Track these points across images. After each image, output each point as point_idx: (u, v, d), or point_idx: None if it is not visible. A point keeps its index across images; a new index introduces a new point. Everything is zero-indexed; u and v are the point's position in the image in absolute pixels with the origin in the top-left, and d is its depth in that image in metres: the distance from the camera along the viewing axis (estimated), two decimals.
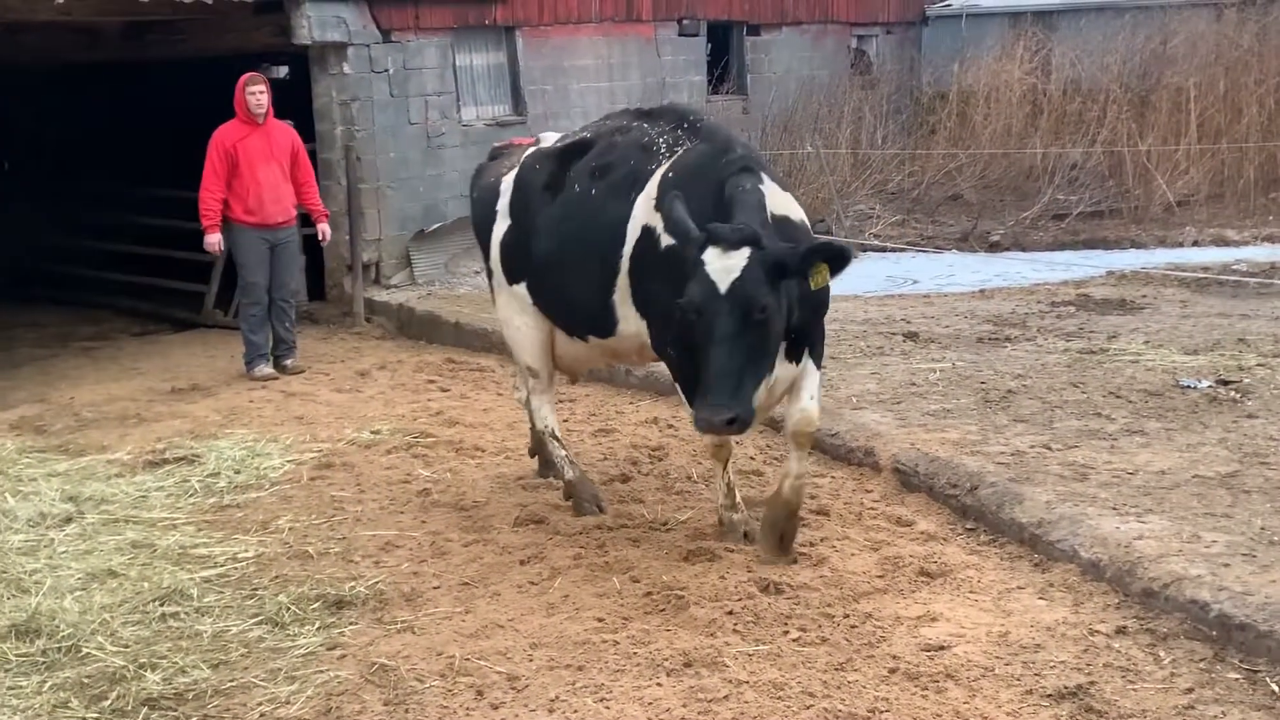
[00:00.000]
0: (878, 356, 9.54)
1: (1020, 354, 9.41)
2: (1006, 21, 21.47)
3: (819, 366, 5.98)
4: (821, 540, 6.19)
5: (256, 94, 10.14)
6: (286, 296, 10.55)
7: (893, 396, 8.25)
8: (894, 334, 10.30)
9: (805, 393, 5.90)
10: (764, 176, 5.71)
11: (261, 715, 4.73)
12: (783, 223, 5.66)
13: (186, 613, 5.64)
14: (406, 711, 4.70)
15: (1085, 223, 16.52)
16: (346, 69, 12.59)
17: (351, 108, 12.66)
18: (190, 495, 7.31)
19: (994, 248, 15.50)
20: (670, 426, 8.28)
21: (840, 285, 13.43)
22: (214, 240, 10.25)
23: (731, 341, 5.12)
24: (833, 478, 7.19)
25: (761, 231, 5.32)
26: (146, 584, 5.91)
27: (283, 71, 18.93)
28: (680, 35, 17.30)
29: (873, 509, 6.66)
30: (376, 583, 5.92)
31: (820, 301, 5.76)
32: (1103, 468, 6.61)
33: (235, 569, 6.15)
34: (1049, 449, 6.96)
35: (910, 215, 17.20)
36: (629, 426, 8.41)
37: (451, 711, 4.70)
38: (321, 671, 5.06)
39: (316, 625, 5.49)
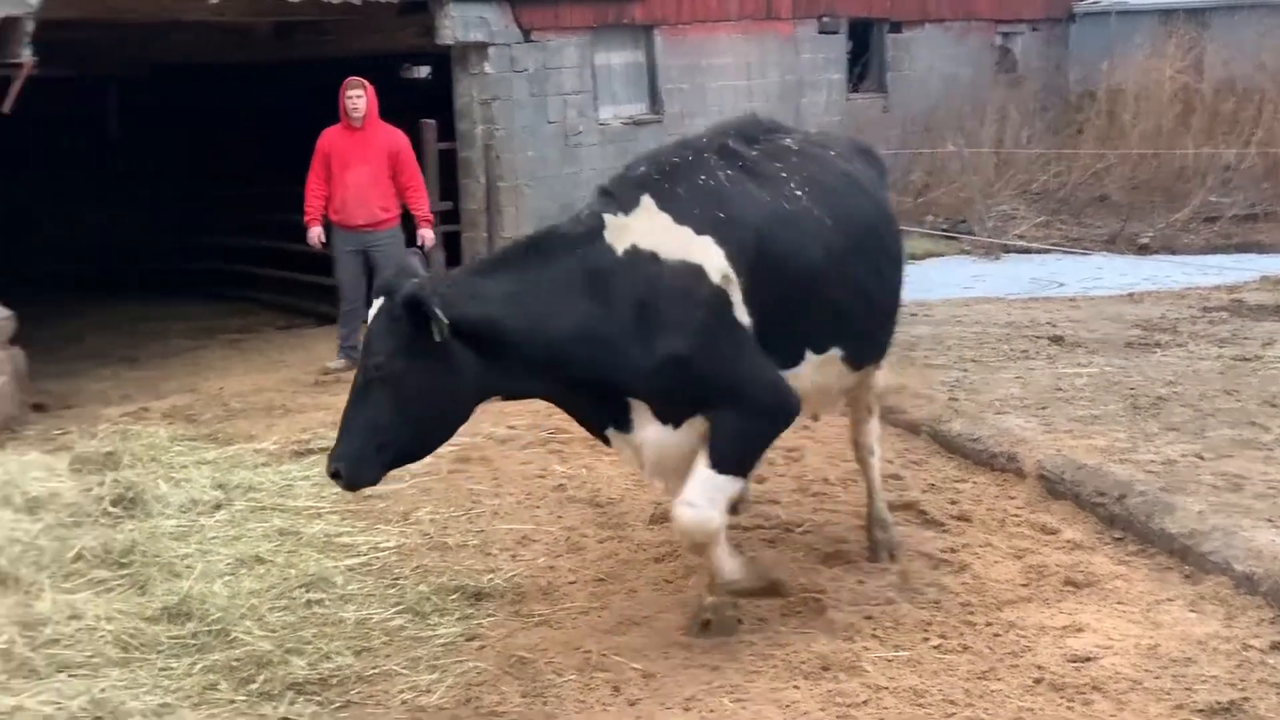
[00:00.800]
0: (1022, 360, 9.34)
1: (1171, 360, 9.13)
2: (1157, 19, 20.89)
3: (713, 465, 4.84)
4: (963, 547, 6.07)
5: (354, 98, 10.32)
6: None
7: (1037, 401, 8.06)
8: (1039, 337, 10.08)
9: (687, 486, 4.87)
10: (642, 200, 4.84)
11: (403, 703, 4.80)
12: (635, 258, 4.77)
13: (331, 600, 5.75)
14: (545, 704, 4.73)
15: (1239, 226, 15.99)
16: (487, 68, 12.75)
17: (491, 106, 12.81)
18: (333, 485, 7.43)
19: (1143, 250, 15.10)
20: (806, 428, 8.20)
21: (983, 287, 13.17)
22: (313, 234, 10.51)
23: (355, 397, 4.70)
24: (974, 483, 7.05)
25: (413, 279, 4.65)
26: (293, 571, 6.04)
27: (424, 71, 19.27)
28: (820, 33, 17.17)
29: (1016, 516, 6.51)
30: (514, 576, 5.97)
31: (699, 360, 4.72)
32: (1258, 479, 6.38)
33: (377, 558, 6.25)
34: (1201, 458, 6.74)
35: (1055, 216, 16.83)
36: None
37: (588, 706, 4.71)
38: (461, 661, 5.11)
39: (456, 616, 5.56)
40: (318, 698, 4.82)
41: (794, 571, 5.82)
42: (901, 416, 8.05)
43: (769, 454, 7.55)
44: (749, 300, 4.82)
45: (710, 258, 4.77)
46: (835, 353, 5.26)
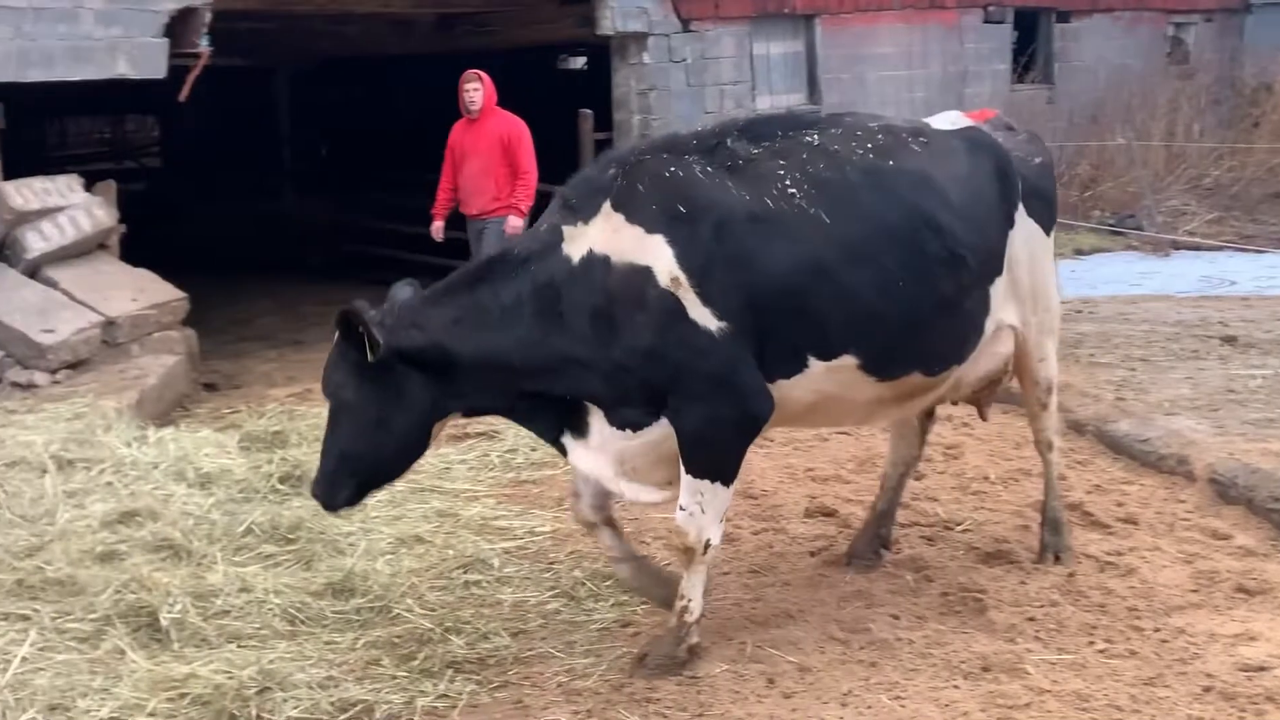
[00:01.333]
0: (1192, 360, 9.03)
1: None
2: None
3: (688, 470, 4.75)
4: (1130, 550, 5.90)
5: (470, 90, 10.45)
6: None
7: (1209, 403, 7.79)
8: (1210, 337, 9.73)
9: (681, 493, 4.82)
10: (602, 206, 4.73)
11: (559, 686, 4.84)
12: (589, 264, 4.70)
13: (488, 581, 5.84)
14: (698, 693, 4.72)
15: None
16: (646, 58, 12.79)
17: (649, 97, 12.85)
18: (490, 469, 7.56)
19: None
20: (965, 425, 8.05)
21: (1151, 284, 12.72)
22: (435, 228, 10.78)
23: (328, 424, 4.87)
24: (1141, 485, 6.84)
25: (381, 307, 4.84)
26: (451, 551, 6.14)
27: (580, 62, 19.44)
28: (985, 22, 16.83)
29: (1185, 520, 6.30)
30: (669, 564, 5.97)
31: (646, 363, 4.64)
32: None
33: (533, 542, 6.32)
34: None
35: (1228, 213, 16.24)
36: None
37: (743, 697, 4.69)
38: (615, 647, 5.14)
39: (610, 602, 5.59)
40: (476, 677, 4.89)
41: (953, 570, 5.72)
42: (1066, 415, 7.84)
43: (928, 451, 7.49)
44: (711, 302, 4.62)
45: (659, 258, 4.63)
46: (848, 360, 4.88)
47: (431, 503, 6.88)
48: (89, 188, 10.37)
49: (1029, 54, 17.71)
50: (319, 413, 8.58)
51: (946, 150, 5.21)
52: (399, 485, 7.07)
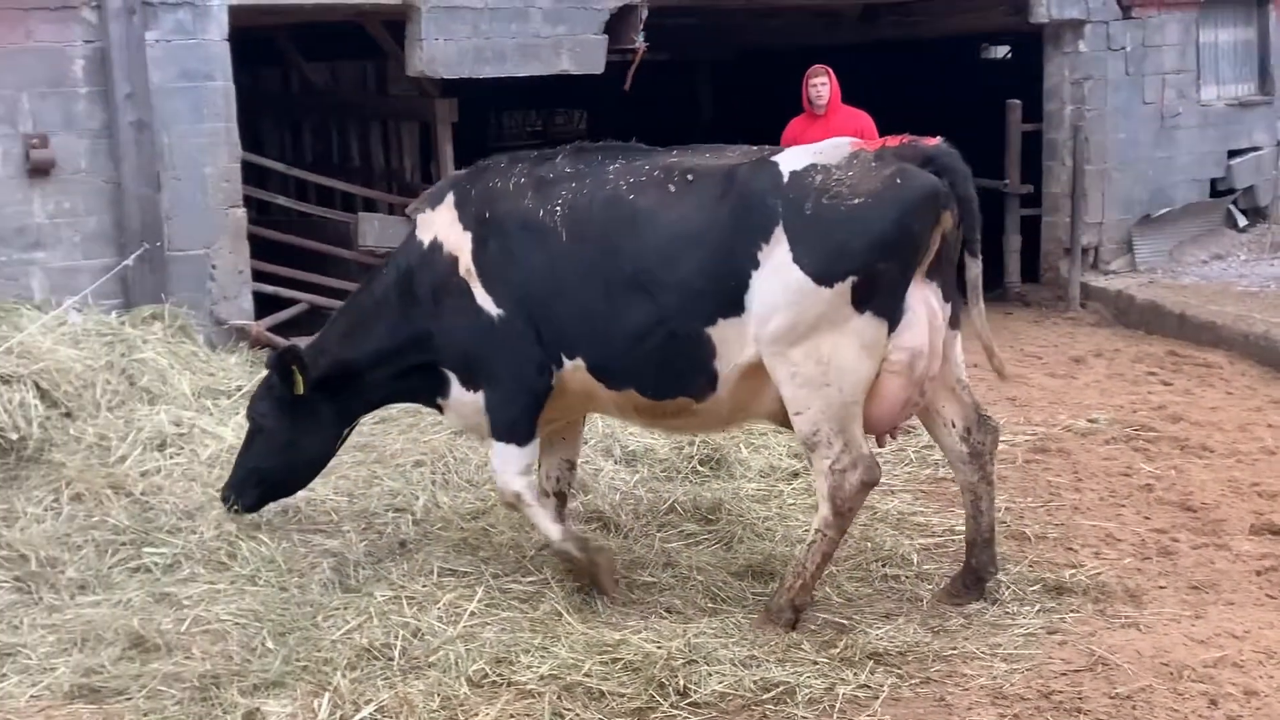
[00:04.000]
0: None
1: None
2: None
3: (491, 432, 5.61)
4: None
5: (817, 86, 10.19)
6: None
7: None
8: None
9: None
10: (446, 197, 5.67)
11: (982, 687, 4.73)
12: (432, 249, 5.65)
13: (906, 576, 5.79)
14: (1134, 708, 4.51)
15: None
16: (1081, 47, 12.26)
17: (1083, 87, 12.31)
18: (906, 464, 7.48)
19: None
20: None
21: None
22: None
23: (245, 438, 6.02)
24: None
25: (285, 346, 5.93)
26: (869, 544, 6.13)
27: (1002, 51, 18.91)
28: None
29: None
30: (1097, 574, 5.73)
31: (452, 336, 5.56)
32: None
33: (952, 541, 6.20)
34: None
35: None
36: None
37: (1183, 717, 4.44)
38: (1041, 654, 4.98)
39: (1036, 608, 5.41)
40: (897, 670, 4.86)
41: None
42: None
43: None
44: (491, 291, 5.46)
45: (464, 252, 5.52)
46: (580, 363, 5.40)
47: None
48: None
49: None
50: None
51: (696, 191, 5.22)
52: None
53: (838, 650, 4.96)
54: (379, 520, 6.38)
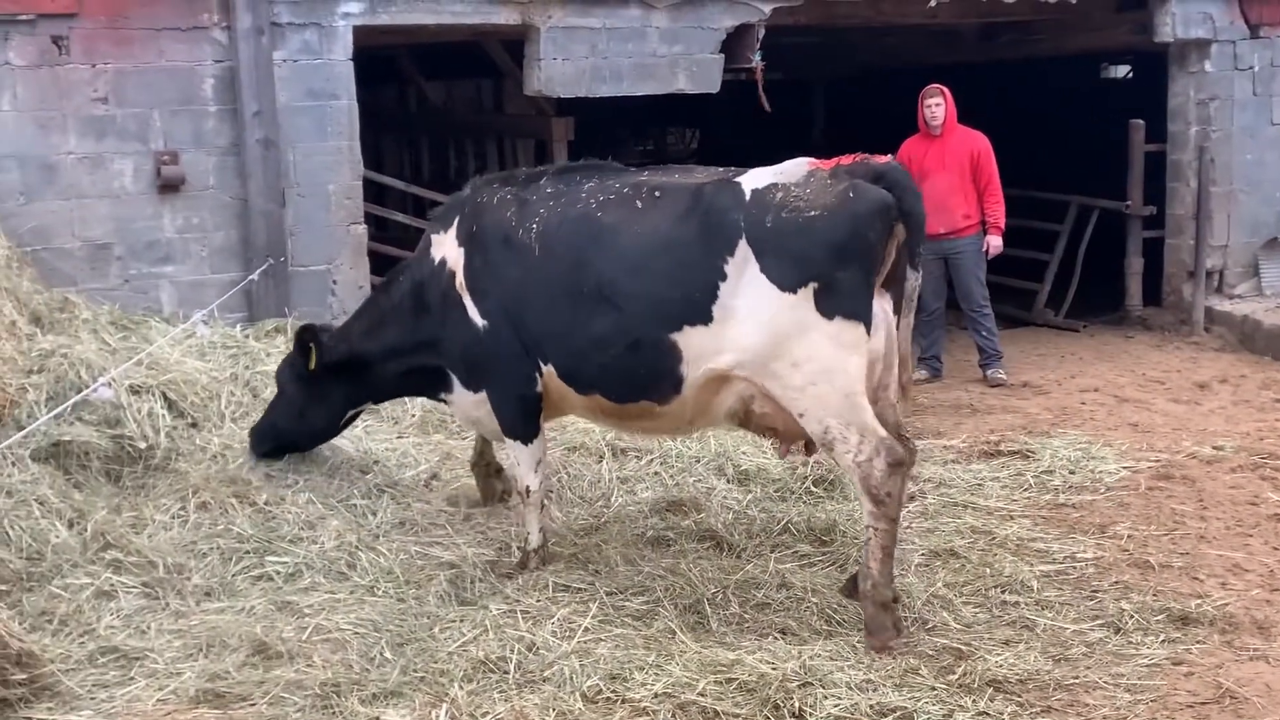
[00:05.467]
0: None
1: None
2: None
3: (501, 430, 6.16)
4: None
5: (932, 107, 10.09)
6: (974, 306, 10.35)
7: None
8: None
9: None
10: (453, 220, 6.12)
11: (1105, 718, 4.63)
12: (440, 265, 6.15)
13: (1026, 603, 5.67)
14: None
15: None
16: (1207, 67, 11.98)
17: (1209, 107, 12.03)
18: (1025, 489, 7.35)
19: None
20: None
21: None
22: None
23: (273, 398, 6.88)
24: None
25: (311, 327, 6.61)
26: (987, 569, 6.02)
27: (1122, 71, 18.56)
28: None
29: None
30: (1225, 604, 5.58)
31: (451, 342, 6.09)
32: None
33: (1073, 568, 6.09)
34: None
35: None
36: None
37: None
38: (1166, 685, 4.86)
39: (1160, 638, 5.29)
40: (1017, 698, 4.77)
41: None
42: None
43: None
44: (480, 303, 5.93)
45: (459, 266, 6.02)
46: (551, 369, 5.82)
47: (965, 518, 6.79)
48: None
49: None
50: None
51: (662, 207, 5.51)
52: (930, 498, 7.13)
53: (956, 677, 4.89)
54: (493, 533, 6.45)
